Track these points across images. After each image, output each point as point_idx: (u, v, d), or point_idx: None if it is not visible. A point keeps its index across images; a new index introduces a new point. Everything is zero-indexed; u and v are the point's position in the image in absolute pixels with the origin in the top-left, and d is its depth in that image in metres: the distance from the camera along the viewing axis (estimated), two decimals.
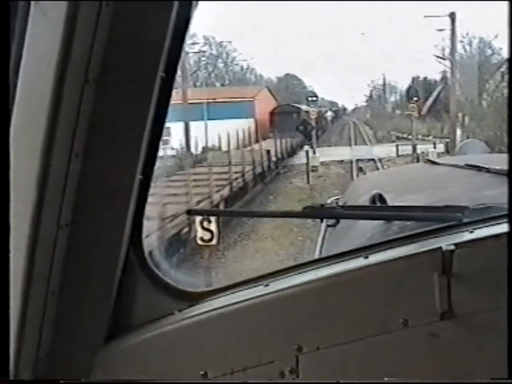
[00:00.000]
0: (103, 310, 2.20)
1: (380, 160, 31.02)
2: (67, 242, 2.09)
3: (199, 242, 11.90)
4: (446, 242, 1.98)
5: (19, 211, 1.89)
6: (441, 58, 35.38)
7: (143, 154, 2.07)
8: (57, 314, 2.14)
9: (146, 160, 2.10)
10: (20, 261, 1.94)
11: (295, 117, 37.29)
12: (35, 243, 1.97)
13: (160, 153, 2.20)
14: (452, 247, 1.93)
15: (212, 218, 11.29)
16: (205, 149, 30.20)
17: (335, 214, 2.61)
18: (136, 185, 2.10)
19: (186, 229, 15.17)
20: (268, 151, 30.31)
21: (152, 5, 1.95)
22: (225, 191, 21.92)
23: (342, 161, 31.87)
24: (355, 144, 43.04)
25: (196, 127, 28.94)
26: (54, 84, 1.86)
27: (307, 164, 28.03)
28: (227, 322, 2.15)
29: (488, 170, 3.32)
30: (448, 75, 36.33)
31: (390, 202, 2.75)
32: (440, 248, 1.94)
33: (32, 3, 1.81)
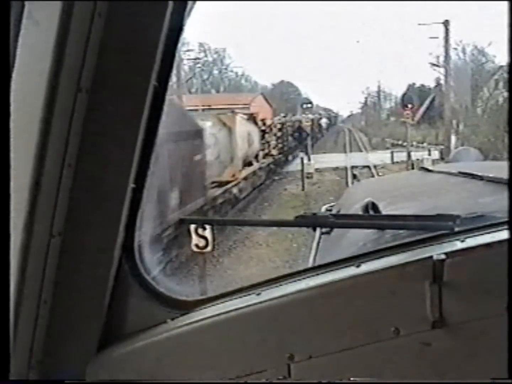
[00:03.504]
0: (96, 319, 2.20)
1: (375, 167, 31.06)
2: (60, 251, 2.09)
3: (194, 249, 11.88)
4: (437, 251, 1.98)
5: (12, 220, 1.89)
6: (435, 65, 35.52)
7: (135, 162, 2.08)
8: (49, 322, 2.14)
9: (138, 168, 2.10)
10: (12, 269, 1.93)
11: None
12: (28, 251, 1.97)
13: None
14: (443, 256, 1.93)
15: (207, 225, 11.27)
16: None
17: (326, 223, 2.61)
18: (129, 193, 2.10)
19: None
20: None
21: (144, 14, 1.95)
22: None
23: (337, 168, 31.90)
24: (350, 151, 43.12)
25: None
26: (46, 93, 1.86)
27: (302, 171, 28.01)
28: (219, 330, 2.15)
29: (481, 178, 3.33)
30: (443, 82, 36.48)
31: (383, 210, 2.76)
32: (430, 257, 1.95)
33: (25, 13, 1.82)
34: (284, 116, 39.47)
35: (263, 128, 29.30)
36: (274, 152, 32.06)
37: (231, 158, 22.50)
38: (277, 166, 33.21)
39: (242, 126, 24.12)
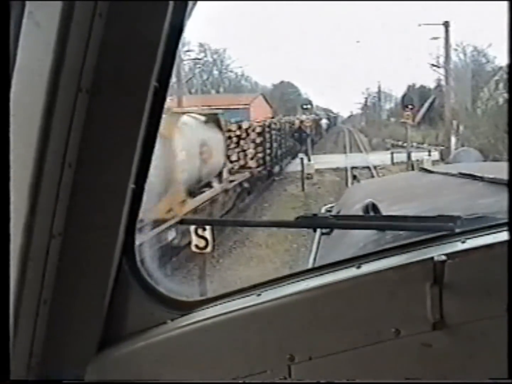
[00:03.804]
0: (95, 319, 2.20)
1: (374, 167, 31.07)
2: (60, 251, 2.09)
3: (194, 249, 11.88)
4: (438, 252, 1.98)
5: (12, 219, 1.89)
6: (435, 66, 35.55)
7: (136, 163, 2.08)
8: (49, 323, 2.14)
9: (139, 169, 2.10)
10: (12, 270, 1.93)
11: None
12: (28, 252, 1.97)
13: None
14: (444, 258, 1.93)
15: (207, 226, 11.30)
16: None
17: (327, 224, 2.62)
18: (129, 194, 2.10)
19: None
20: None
21: (145, 15, 1.95)
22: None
23: (337, 168, 31.90)
24: (350, 151, 43.11)
25: None
26: (47, 94, 1.86)
27: (302, 171, 27.98)
28: (220, 331, 2.15)
29: (481, 179, 3.33)
30: (443, 83, 36.49)
31: (383, 211, 2.76)
32: (431, 258, 1.95)
33: (25, 14, 1.82)
34: (272, 117, 33.73)
35: (238, 133, 23.89)
36: (252, 164, 25.46)
37: (167, 183, 14.70)
38: (254, 184, 25.38)
39: (191, 133, 17.05)
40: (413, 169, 21.87)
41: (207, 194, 18.49)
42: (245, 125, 26.05)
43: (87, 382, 2.19)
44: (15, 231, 1.91)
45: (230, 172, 22.06)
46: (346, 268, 2.12)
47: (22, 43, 1.84)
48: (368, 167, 31.53)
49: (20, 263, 1.95)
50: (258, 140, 26.51)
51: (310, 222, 2.50)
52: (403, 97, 36.12)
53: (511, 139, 1.95)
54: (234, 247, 17.26)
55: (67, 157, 1.99)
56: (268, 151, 28.35)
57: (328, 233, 3.62)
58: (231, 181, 21.57)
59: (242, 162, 24.84)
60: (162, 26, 1.95)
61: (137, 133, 2.04)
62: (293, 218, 2.39)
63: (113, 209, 2.11)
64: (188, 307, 2.24)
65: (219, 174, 19.98)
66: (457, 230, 2.13)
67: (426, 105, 43.57)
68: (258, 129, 26.81)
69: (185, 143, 16.18)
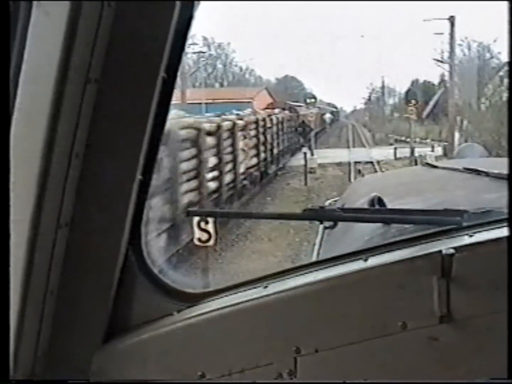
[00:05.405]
0: (102, 310, 2.20)
1: (378, 162, 31.00)
2: (67, 242, 2.09)
3: (197, 242, 11.84)
4: (445, 246, 1.98)
5: (19, 210, 1.89)
6: (440, 61, 35.43)
7: (143, 154, 2.08)
8: (56, 313, 2.14)
9: (146, 160, 2.10)
10: (19, 260, 1.94)
11: None
12: (35, 242, 1.97)
13: None
14: (452, 251, 1.93)
15: (209, 219, 11.26)
16: None
17: (335, 216, 2.61)
18: (136, 185, 2.10)
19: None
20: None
21: (154, 6, 1.95)
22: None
23: (340, 163, 31.81)
24: (353, 146, 43.00)
25: None
26: (55, 84, 1.86)
27: (305, 166, 27.92)
28: (226, 323, 2.15)
29: (486, 174, 3.32)
30: (447, 78, 36.39)
31: (388, 205, 2.76)
32: (439, 251, 1.94)
33: (34, 3, 1.81)
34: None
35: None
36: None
37: None
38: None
39: None
40: (416, 164, 21.81)
41: None
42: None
43: (93, 382, 2.20)
44: (23, 222, 1.91)
45: None
46: (353, 260, 2.11)
47: (31, 32, 1.83)
48: (371, 162, 31.45)
49: (27, 253, 1.96)
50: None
51: (317, 214, 2.49)
52: (407, 92, 35.97)
53: (511, 133, 1.95)
54: (236, 241, 17.27)
55: (74, 147, 1.99)
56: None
57: (331, 227, 3.61)
58: None
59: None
60: (172, 17, 1.95)
61: (145, 124, 2.03)
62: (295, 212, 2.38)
63: (120, 200, 2.11)
64: (194, 299, 2.24)
65: None
66: (465, 224, 2.13)
67: (435, 99, 43.34)
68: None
69: None
